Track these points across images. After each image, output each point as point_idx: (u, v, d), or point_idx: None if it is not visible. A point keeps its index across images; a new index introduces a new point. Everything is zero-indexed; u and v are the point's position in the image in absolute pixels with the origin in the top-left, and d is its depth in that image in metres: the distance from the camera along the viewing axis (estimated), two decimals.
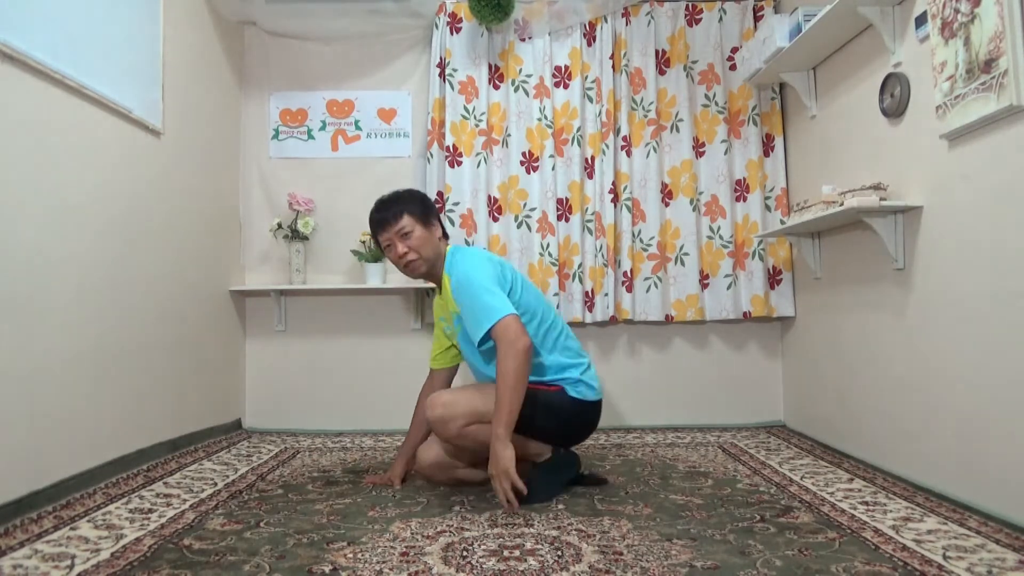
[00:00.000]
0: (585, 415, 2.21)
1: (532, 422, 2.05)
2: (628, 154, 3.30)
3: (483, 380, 2.25)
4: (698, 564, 1.52)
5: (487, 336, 1.98)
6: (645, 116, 3.33)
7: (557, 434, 2.17)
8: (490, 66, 3.35)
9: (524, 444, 2.09)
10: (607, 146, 3.28)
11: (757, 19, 3.32)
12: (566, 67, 3.34)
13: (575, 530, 1.77)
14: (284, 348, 3.45)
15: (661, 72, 3.36)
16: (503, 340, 1.94)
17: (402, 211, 2.16)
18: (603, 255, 3.25)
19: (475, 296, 2.02)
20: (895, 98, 2.27)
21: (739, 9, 3.34)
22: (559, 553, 1.60)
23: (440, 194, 3.30)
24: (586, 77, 3.33)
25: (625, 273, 3.27)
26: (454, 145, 3.29)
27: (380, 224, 2.19)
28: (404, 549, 1.64)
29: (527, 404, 1.97)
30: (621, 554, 1.59)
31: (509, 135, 3.33)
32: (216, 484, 2.30)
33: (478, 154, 3.31)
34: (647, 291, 3.29)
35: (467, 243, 3.26)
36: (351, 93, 3.48)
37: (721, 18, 3.34)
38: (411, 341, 3.45)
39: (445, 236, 2.26)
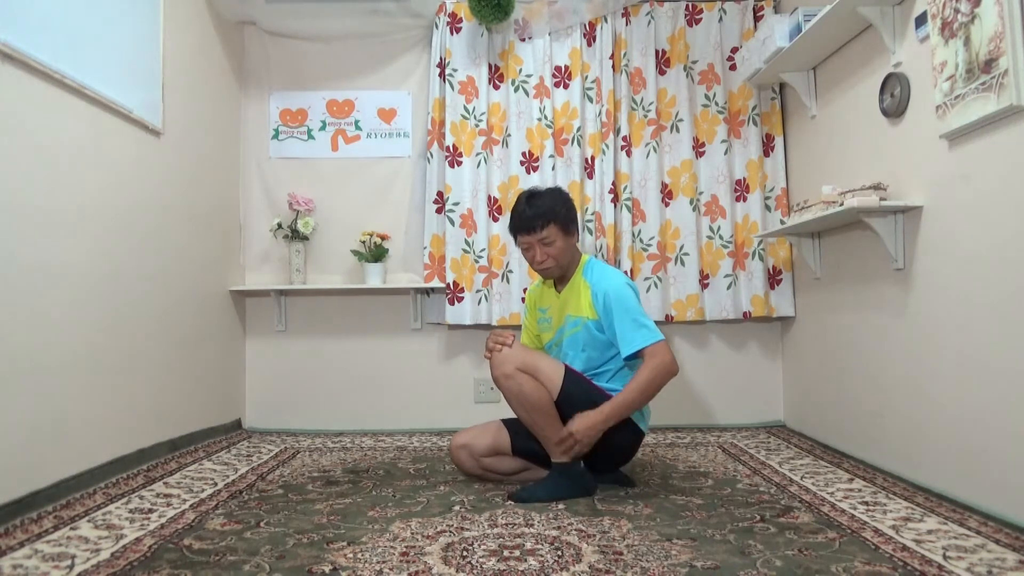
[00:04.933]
0: (624, 436, 2.19)
1: (578, 407, 2.09)
2: (628, 154, 3.30)
3: None
4: (698, 564, 1.52)
5: (639, 352, 2.11)
6: (645, 116, 3.33)
7: None
8: (490, 66, 3.35)
9: (555, 423, 2.10)
10: (607, 146, 3.28)
11: (757, 19, 3.32)
12: (566, 67, 3.34)
13: (575, 530, 1.77)
14: (284, 348, 3.45)
15: (661, 72, 3.36)
16: (654, 357, 2.09)
17: (549, 220, 2.18)
18: (603, 255, 3.25)
19: (635, 313, 2.14)
20: (895, 98, 2.27)
21: (739, 9, 3.34)
22: (559, 553, 1.60)
23: (440, 194, 3.30)
24: (586, 77, 3.33)
25: (625, 273, 3.27)
26: (454, 145, 3.29)
27: (525, 227, 2.20)
28: (404, 549, 1.64)
29: (580, 392, 2.11)
30: (621, 554, 1.59)
31: (509, 135, 3.33)
32: (216, 484, 2.30)
33: (478, 154, 3.31)
34: (647, 291, 3.29)
35: (467, 243, 3.27)
36: (351, 93, 3.48)
37: (721, 18, 3.34)
38: (411, 341, 3.45)
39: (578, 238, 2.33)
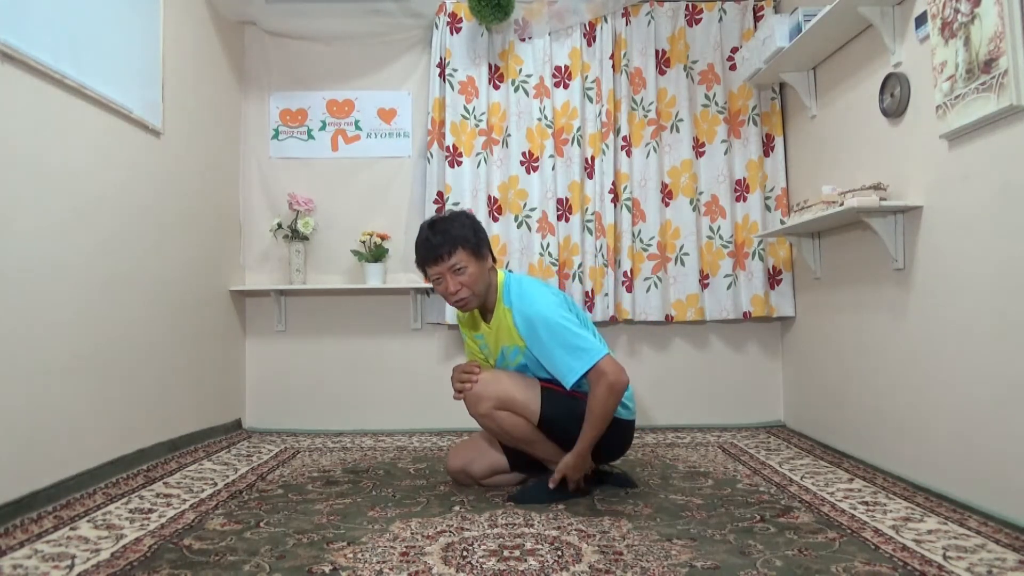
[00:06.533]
0: (616, 432, 2.14)
1: (561, 426, 2.04)
2: (628, 154, 3.30)
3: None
4: (698, 564, 1.52)
5: (581, 377, 1.95)
6: (645, 116, 3.33)
7: None
8: (490, 66, 3.35)
9: (544, 444, 2.09)
10: (607, 146, 3.28)
11: (757, 19, 3.32)
12: (566, 67, 3.34)
13: (575, 530, 1.77)
14: (284, 348, 3.45)
15: (661, 72, 3.36)
16: (600, 377, 1.92)
17: (457, 245, 2.01)
18: (603, 255, 3.25)
19: (565, 336, 1.96)
20: (895, 98, 2.27)
21: (739, 9, 3.34)
22: (559, 553, 1.60)
23: (440, 194, 3.30)
24: (586, 77, 3.33)
25: (625, 273, 3.27)
26: (454, 145, 3.29)
27: (432, 256, 2.03)
28: (404, 549, 1.64)
29: (560, 407, 2.02)
30: (621, 554, 1.59)
31: (509, 135, 3.33)
32: (216, 484, 2.30)
33: (478, 154, 3.31)
34: (647, 291, 3.29)
35: None
36: (351, 93, 3.48)
37: (721, 18, 3.34)
38: (411, 341, 3.45)
39: (493, 260, 2.15)
